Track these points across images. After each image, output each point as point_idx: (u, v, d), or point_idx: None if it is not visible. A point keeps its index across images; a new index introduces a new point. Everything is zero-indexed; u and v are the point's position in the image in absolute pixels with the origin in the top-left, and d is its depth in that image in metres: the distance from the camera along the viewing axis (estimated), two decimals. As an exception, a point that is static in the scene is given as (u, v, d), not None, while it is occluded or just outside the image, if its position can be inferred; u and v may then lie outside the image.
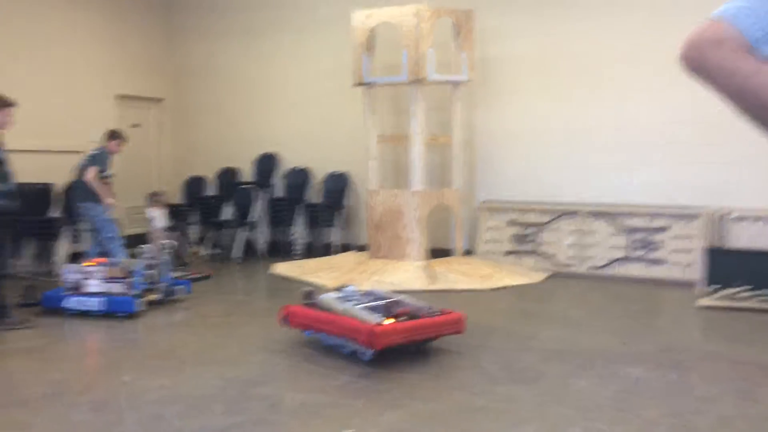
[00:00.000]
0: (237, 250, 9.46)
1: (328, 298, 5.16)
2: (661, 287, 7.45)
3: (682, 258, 7.63)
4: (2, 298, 5.82)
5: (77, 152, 7.62)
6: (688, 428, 3.62)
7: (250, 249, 9.74)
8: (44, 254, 8.69)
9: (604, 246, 8.07)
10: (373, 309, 4.90)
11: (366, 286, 5.77)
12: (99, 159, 7.50)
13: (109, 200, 7.46)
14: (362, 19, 8.11)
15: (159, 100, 10.98)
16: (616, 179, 8.18)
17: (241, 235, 9.50)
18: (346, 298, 5.17)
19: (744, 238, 7.33)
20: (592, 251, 8.12)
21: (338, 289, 5.40)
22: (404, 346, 4.74)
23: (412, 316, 4.84)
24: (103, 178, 7.48)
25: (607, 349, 5.12)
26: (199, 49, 10.86)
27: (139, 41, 10.52)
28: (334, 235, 9.45)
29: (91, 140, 8.13)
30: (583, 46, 8.28)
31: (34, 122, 8.46)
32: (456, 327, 4.95)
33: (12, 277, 7.72)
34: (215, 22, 10.70)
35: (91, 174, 7.39)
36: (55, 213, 8.80)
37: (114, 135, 7.76)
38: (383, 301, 5.08)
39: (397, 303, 5.05)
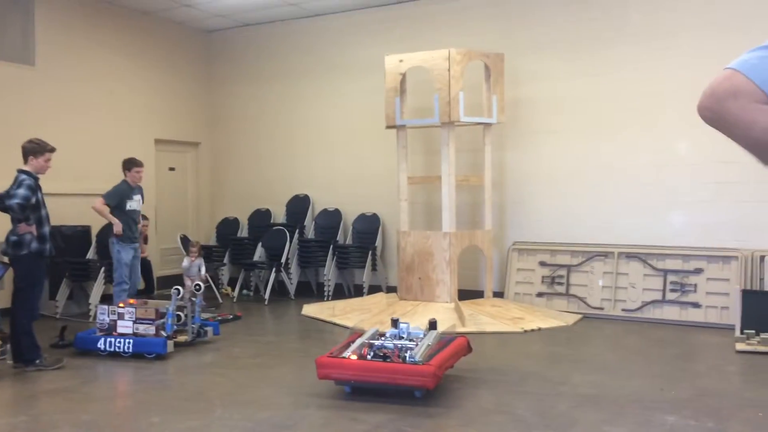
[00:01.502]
0: (267, 291, 9.50)
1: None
2: (696, 331, 7.28)
3: (718, 301, 7.47)
4: (34, 339, 5.91)
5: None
6: (727, 479, 3.50)
7: (280, 290, 9.78)
8: (80, 295, 8.84)
9: (637, 288, 7.93)
10: (371, 346, 5.05)
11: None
12: (111, 191, 7.51)
13: (116, 229, 7.33)
14: (395, 63, 8.23)
15: (195, 144, 11.23)
16: (650, 220, 8.09)
17: (272, 276, 9.56)
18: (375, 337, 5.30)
19: (783, 280, 7.15)
20: (626, 294, 7.99)
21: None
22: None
23: (382, 356, 4.90)
24: (130, 212, 7.46)
25: (642, 395, 4.99)
26: (234, 93, 11.12)
27: (178, 87, 10.80)
28: (365, 277, 9.46)
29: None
30: (614, 87, 8.28)
31: (74, 166, 8.73)
32: (420, 379, 4.70)
33: (48, 318, 7.88)
34: (250, 68, 10.96)
35: (96, 202, 7.41)
36: (91, 255, 8.97)
37: (126, 164, 7.61)
38: (393, 342, 5.11)
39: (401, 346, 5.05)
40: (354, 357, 4.94)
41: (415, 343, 5.08)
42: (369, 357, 4.94)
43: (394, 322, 5.40)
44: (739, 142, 1.36)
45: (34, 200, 5.77)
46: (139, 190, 7.67)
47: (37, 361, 5.86)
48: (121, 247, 7.44)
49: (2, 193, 5.78)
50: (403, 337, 5.21)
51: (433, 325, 5.47)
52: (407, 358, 4.82)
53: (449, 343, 5.35)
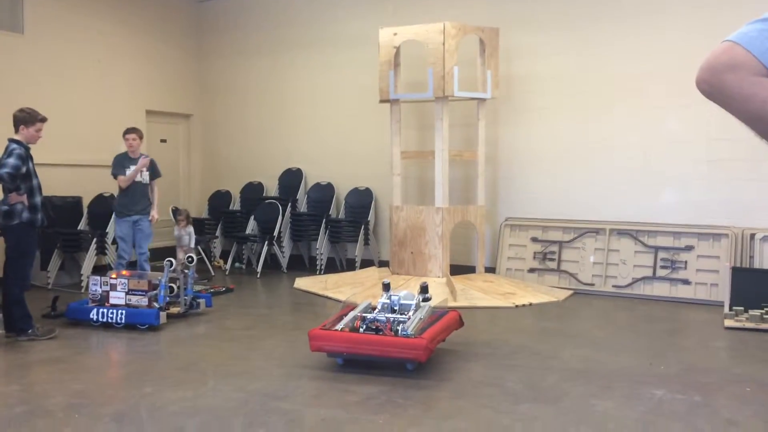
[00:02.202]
0: (259, 264, 9.51)
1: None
2: (686, 307, 7.35)
3: (709, 278, 7.53)
4: (26, 309, 5.90)
5: (107, 166, 7.71)
6: (713, 452, 3.55)
7: (273, 263, 9.78)
8: (72, 266, 8.82)
9: (628, 265, 7.98)
10: (364, 319, 5.07)
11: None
12: (113, 163, 7.56)
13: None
14: (389, 36, 8.16)
15: (187, 116, 11.15)
16: (642, 197, 8.11)
17: (265, 250, 9.56)
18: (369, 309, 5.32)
19: (772, 258, 7.21)
20: (616, 270, 8.05)
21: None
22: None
23: (374, 330, 4.92)
24: (138, 182, 7.45)
25: (630, 369, 5.05)
26: (226, 66, 11.02)
27: (169, 58, 10.70)
28: (357, 251, 9.47)
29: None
30: (608, 64, 8.26)
31: (65, 137, 8.66)
32: (411, 352, 4.73)
33: (40, 289, 7.86)
34: (243, 40, 10.85)
35: (118, 181, 7.53)
36: (83, 226, 8.94)
37: (124, 133, 7.58)
38: (385, 315, 5.11)
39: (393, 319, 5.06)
40: (346, 330, 4.95)
41: (407, 316, 5.09)
42: (361, 330, 4.96)
43: (386, 286, 5.40)
44: (737, 116, 1.35)
45: (24, 170, 5.72)
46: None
47: (30, 331, 5.86)
48: (116, 221, 7.44)
49: None
50: (395, 310, 5.22)
51: (424, 289, 5.43)
52: (399, 332, 4.84)
53: (441, 317, 5.38)
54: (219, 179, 11.04)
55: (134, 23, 10.12)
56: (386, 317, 5.07)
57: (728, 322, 6.40)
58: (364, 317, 5.12)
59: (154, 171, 7.70)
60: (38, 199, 5.90)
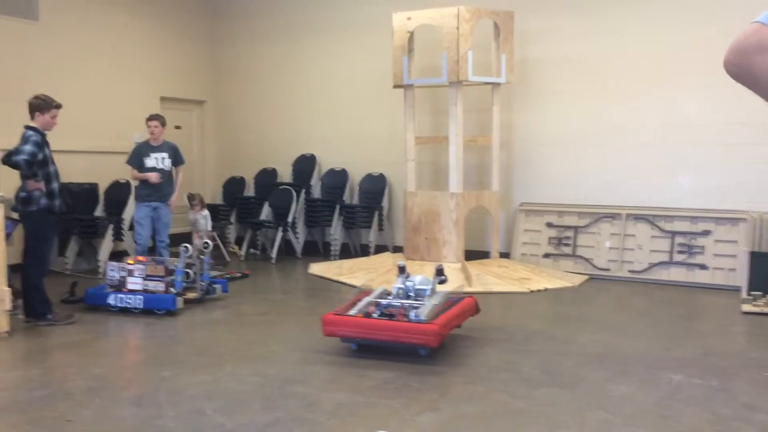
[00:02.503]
0: (274, 250, 9.54)
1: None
2: (703, 292, 7.31)
3: (726, 263, 7.48)
4: (45, 295, 5.96)
5: (122, 153, 7.74)
6: (732, 436, 3.54)
7: (287, 249, 9.82)
8: (89, 252, 8.89)
9: (644, 250, 7.94)
10: (378, 305, 5.09)
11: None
12: (132, 151, 7.61)
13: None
14: (403, 21, 8.12)
15: (201, 102, 11.16)
16: (658, 182, 8.05)
17: (279, 236, 9.58)
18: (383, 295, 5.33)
19: (791, 243, 7.14)
20: (633, 255, 8.00)
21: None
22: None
23: (388, 315, 4.92)
24: (149, 170, 7.46)
25: (647, 354, 5.03)
26: (240, 52, 11.01)
27: (183, 45, 10.70)
28: (371, 236, 9.48)
29: (135, 141, 8.29)
30: (623, 48, 8.17)
31: (81, 124, 8.69)
32: (423, 338, 4.73)
33: (58, 274, 7.94)
34: (257, 26, 10.83)
35: (131, 173, 7.63)
36: (99, 212, 9.00)
37: (147, 120, 7.60)
38: (400, 301, 5.14)
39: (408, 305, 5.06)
40: (360, 315, 4.97)
41: (422, 301, 5.09)
42: (375, 315, 4.97)
43: (401, 269, 5.40)
44: (765, 97, 1.34)
45: (41, 156, 5.76)
46: (166, 149, 7.60)
47: (49, 316, 5.92)
48: (136, 205, 7.48)
49: (11, 150, 5.77)
50: (410, 296, 5.23)
51: (440, 271, 5.45)
52: (413, 317, 4.84)
53: (456, 303, 5.38)
54: (233, 165, 11.06)
55: (148, 10, 10.12)
56: (401, 303, 5.09)
57: (746, 307, 6.36)
58: (379, 302, 5.13)
59: (176, 157, 7.72)
60: (56, 186, 5.94)
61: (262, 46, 10.78)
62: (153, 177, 7.42)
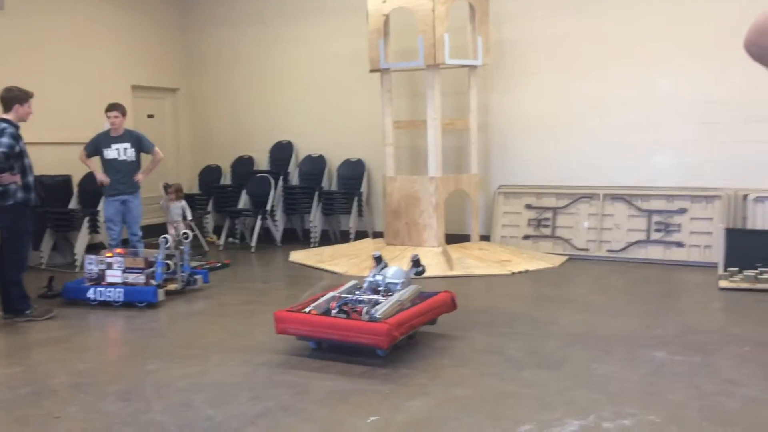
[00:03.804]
0: (253, 239, 9.49)
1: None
2: (680, 270, 7.42)
3: (702, 240, 7.59)
4: (23, 290, 5.87)
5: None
6: (717, 410, 3.60)
7: (266, 237, 9.76)
8: (64, 245, 8.76)
9: (622, 229, 8.03)
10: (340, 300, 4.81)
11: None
12: (90, 139, 7.41)
13: (98, 178, 7.27)
14: (378, 4, 8.06)
15: (174, 90, 11.01)
16: (634, 161, 8.13)
17: (258, 224, 9.53)
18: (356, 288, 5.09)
19: (765, 218, 7.27)
20: (611, 234, 8.09)
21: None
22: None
23: (344, 313, 4.64)
24: (110, 161, 7.26)
25: (629, 332, 5.10)
26: (212, 38, 10.86)
27: (153, 32, 10.53)
28: (351, 222, 9.46)
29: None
30: (598, 27, 8.21)
31: (50, 114, 8.51)
32: (372, 338, 4.39)
33: (33, 269, 7.80)
34: (228, 11, 10.68)
35: (80, 153, 7.40)
36: (74, 204, 8.86)
37: (106, 110, 7.32)
38: (367, 296, 4.86)
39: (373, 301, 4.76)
40: (315, 312, 4.67)
41: (389, 297, 4.78)
42: (334, 312, 4.66)
43: (377, 259, 5.23)
44: None
45: (17, 149, 5.65)
46: (127, 138, 7.32)
47: (27, 312, 5.83)
48: (104, 201, 7.31)
49: None
50: (380, 290, 4.94)
51: (416, 262, 5.21)
52: (366, 315, 4.49)
53: (427, 298, 5.04)
54: (209, 154, 10.95)
55: (117, -4, 9.94)
56: (368, 298, 4.79)
57: (723, 283, 6.47)
58: (343, 297, 4.85)
59: (141, 145, 7.43)
60: (31, 179, 5.84)
61: (235, 31, 10.64)
62: (99, 176, 7.23)
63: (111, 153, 7.28)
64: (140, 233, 7.45)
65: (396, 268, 5.14)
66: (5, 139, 5.56)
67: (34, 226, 6.25)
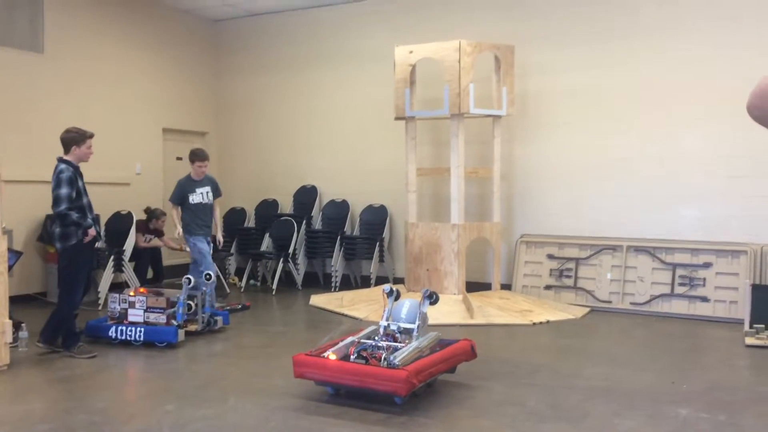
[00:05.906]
0: (275, 281, 9.52)
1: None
2: (705, 325, 7.30)
3: (728, 295, 7.48)
4: (73, 326, 6.01)
5: (125, 184, 7.75)
6: (742, 472, 3.51)
7: (287, 280, 9.79)
8: (89, 283, 8.83)
9: (646, 282, 7.94)
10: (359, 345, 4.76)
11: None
12: (176, 187, 7.72)
13: (177, 230, 7.62)
14: (405, 54, 8.21)
15: (203, 134, 11.23)
16: (659, 214, 8.09)
17: (280, 267, 9.57)
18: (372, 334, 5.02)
19: (792, 275, 7.16)
20: (634, 287, 8.01)
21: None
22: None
23: (363, 358, 4.59)
24: (195, 205, 7.55)
25: (653, 387, 5.01)
26: (242, 84, 11.11)
27: (185, 76, 10.80)
28: (372, 268, 9.47)
29: (136, 173, 8.31)
30: (624, 80, 8.27)
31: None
32: (391, 385, 4.33)
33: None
34: (259, 58, 10.95)
35: (171, 209, 7.78)
36: (101, 243, 8.97)
37: (189, 157, 7.72)
38: (384, 341, 4.81)
39: (391, 346, 4.73)
40: (333, 357, 4.62)
41: (406, 343, 4.74)
42: (353, 357, 4.62)
43: (389, 293, 5.12)
44: None
45: (74, 194, 5.77)
46: (207, 183, 7.67)
47: (73, 349, 5.91)
48: (196, 240, 7.54)
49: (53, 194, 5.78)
50: (397, 338, 4.87)
51: (428, 296, 5.04)
52: (385, 362, 4.44)
53: (447, 346, 4.98)
54: (234, 196, 11.09)
55: (152, 42, 10.24)
56: (387, 344, 4.74)
57: (749, 340, 6.35)
58: (362, 343, 4.81)
59: (217, 190, 7.84)
60: (91, 216, 5.96)
61: (264, 78, 10.89)
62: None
63: (196, 198, 7.62)
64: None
65: (409, 305, 5.03)
66: (63, 191, 5.69)
67: (91, 263, 6.35)
